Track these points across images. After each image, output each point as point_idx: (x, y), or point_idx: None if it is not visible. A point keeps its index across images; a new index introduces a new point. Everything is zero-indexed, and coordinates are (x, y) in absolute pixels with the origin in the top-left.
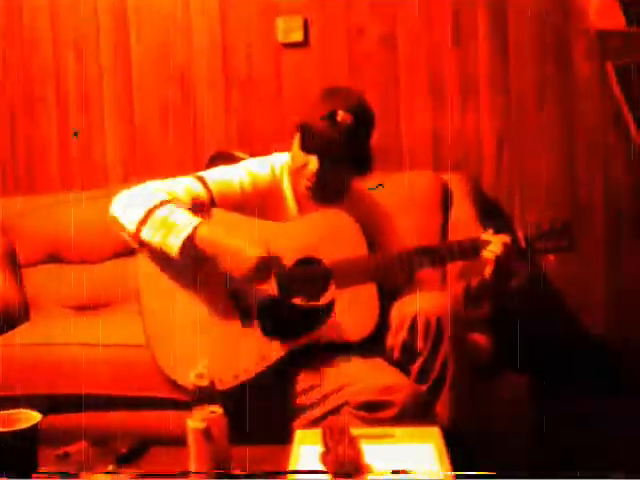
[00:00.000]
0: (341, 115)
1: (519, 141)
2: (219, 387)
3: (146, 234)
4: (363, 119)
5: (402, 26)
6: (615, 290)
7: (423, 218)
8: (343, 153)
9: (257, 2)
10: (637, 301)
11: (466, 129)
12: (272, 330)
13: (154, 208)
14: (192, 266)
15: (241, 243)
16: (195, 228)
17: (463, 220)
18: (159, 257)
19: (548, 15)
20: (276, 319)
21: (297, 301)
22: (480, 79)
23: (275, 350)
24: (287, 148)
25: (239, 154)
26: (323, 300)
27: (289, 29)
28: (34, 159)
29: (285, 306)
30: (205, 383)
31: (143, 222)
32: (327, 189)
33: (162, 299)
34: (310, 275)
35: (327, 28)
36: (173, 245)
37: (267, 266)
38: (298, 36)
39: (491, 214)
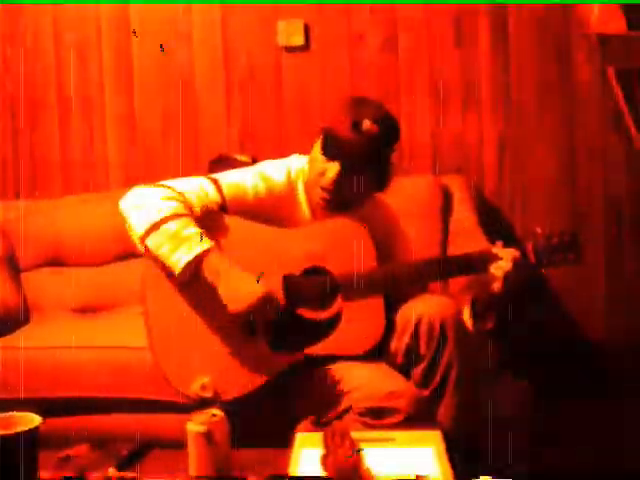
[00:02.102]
0: (367, 124)
1: (520, 146)
2: (223, 398)
3: (153, 243)
4: (388, 132)
5: (403, 31)
6: (616, 295)
7: (424, 223)
8: (364, 163)
9: (258, 5)
10: (638, 306)
11: (467, 134)
12: (277, 341)
13: (167, 218)
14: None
15: (244, 280)
16: (205, 251)
17: (464, 225)
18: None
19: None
20: (281, 330)
21: (303, 312)
22: (481, 84)
23: (279, 361)
24: (289, 151)
25: (241, 158)
26: (329, 312)
27: (290, 33)
28: (36, 162)
29: (291, 317)
30: (209, 394)
31: (152, 229)
32: (343, 201)
33: (167, 306)
34: (318, 286)
35: (328, 32)
36: (178, 262)
37: (263, 309)
38: (299, 40)
39: (492, 218)
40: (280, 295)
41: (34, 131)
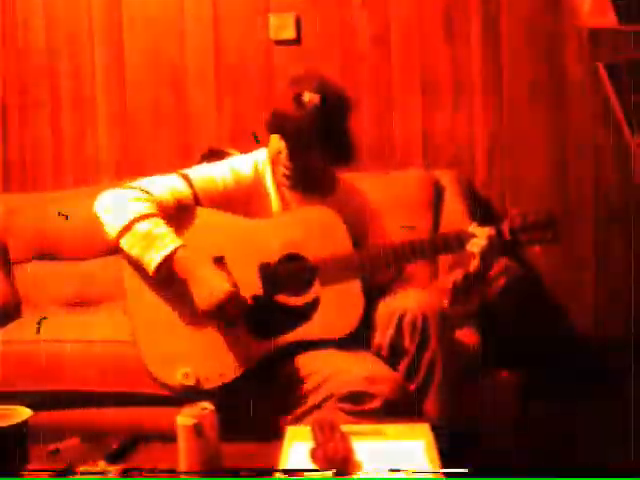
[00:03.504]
0: (308, 96)
1: (511, 140)
2: (205, 386)
3: (125, 244)
4: (332, 100)
5: (395, 25)
6: (604, 289)
7: (415, 217)
8: (312, 134)
9: None
10: (626, 300)
11: (458, 128)
12: (257, 328)
13: (137, 220)
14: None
15: (212, 278)
16: (175, 249)
17: (455, 218)
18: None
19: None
20: (261, 317)
21: (282, 298)
22: (472, 79)
23: (260, 348)
24: None
25: (231, 151)
26: (308, 297)
27: (281, 26)
28: (27, 157)
29: (270, 304)
30: (191, 382)
31: (124, 231)
32: (304, 176)
33: (147, 299)
34: (295, 272)
35: (319, 25)
36: (151, 261)
37: (229, 306)
38: (290, 33)
39: (483, 213)
40: (257, 284)
41: (25, 126)
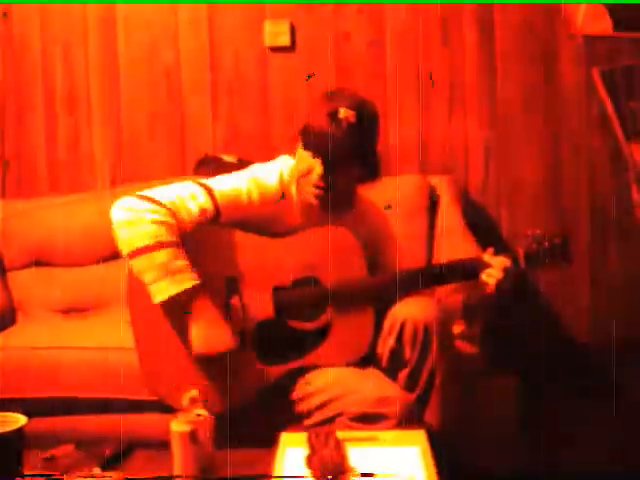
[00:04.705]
0: (343, 112)
1: (506, 146)
2: (212, 411)
3: (138, 266)
4: (367, 117)
5: (390, 31)
6: (600, 294)
7: (410, 222)
8: (348, 152)
9: (244, 6)
10: (622, 305)
11: (453, 134)
12: (267, 354)
13: (156, 246)
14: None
15: (217, 327)
16: (189, 289)
17: (451, 225)
18: None
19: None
20: (271, 342)
21: (294, 323)
22: (467, 84)
23: (270, 373)
24: (275, 151)
25: (227, 158)
26: (320, 322)
27: (276, 33)
28: (22, 162)
29: (281, 329)
30: (199, 407)
31: (140, 253)
32: (336, 195)
33: (154, 316)
34: (307, 296)
35: (314, 32)
36: (161, 292)
37: (222, 361)
38: (285, 40)
39: (478, 218)
40: (269, 307)
41: (20, 130)
